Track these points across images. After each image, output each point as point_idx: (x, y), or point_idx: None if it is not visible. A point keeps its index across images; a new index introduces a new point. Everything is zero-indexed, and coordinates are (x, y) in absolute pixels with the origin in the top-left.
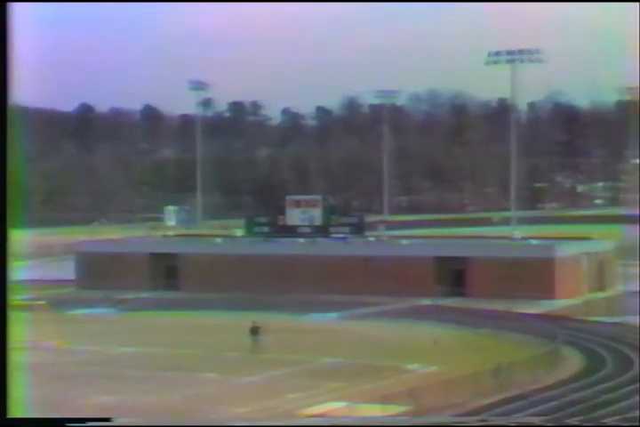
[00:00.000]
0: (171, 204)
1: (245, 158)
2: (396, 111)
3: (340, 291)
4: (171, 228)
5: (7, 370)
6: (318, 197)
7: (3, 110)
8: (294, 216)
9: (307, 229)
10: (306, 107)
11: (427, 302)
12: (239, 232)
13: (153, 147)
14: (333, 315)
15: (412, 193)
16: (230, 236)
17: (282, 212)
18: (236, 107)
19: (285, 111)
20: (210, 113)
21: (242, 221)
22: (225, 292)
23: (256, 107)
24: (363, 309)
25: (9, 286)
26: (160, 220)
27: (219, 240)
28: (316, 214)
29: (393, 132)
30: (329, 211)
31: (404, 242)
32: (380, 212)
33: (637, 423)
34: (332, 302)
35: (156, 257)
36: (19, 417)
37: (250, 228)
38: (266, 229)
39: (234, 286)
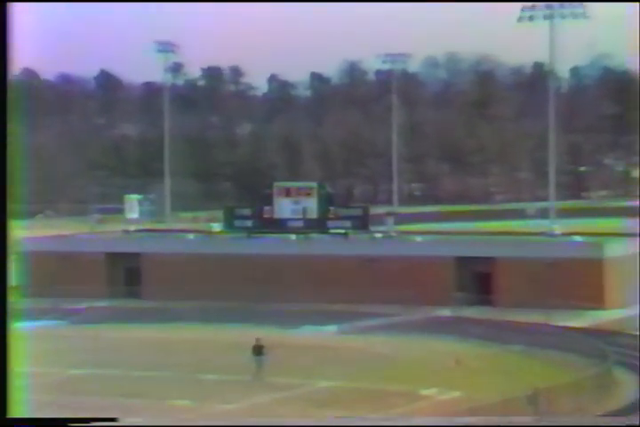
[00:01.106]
0: (133, 192)
1: (224, 136)
2: (408, 79)
3: (340, 298)
4: (133, 221)
5: (7, 370)
6: (313, 184)
7: (3, 107)
8: (284, 207)
9: (299, 224)
10: (297, 74)
11: (445, 312)
12: (216, 227)
13: (110, 122)
14: (331, 328)
15: (428, 179)
16: (205, 231)
17: (269, 202)
18: (212, 73)
19: (272, 79)
20: (180, 81)
21: (220, 214)
22: (198, 300)
23: (236, 73)
24: (367, 320)
25: (9, 286)
26: (120, 212)
27: (191, 237)
28: (311, 205)
29: (404, 104)
30: (326, 201)
31: (418, 239)
32: (388, 202)
33: (638, 423)
34: (330, 311)
35: (115, 258)
36: (19, 417)
37: (229, 221)
38: (249, 223)
39: (209, 293)
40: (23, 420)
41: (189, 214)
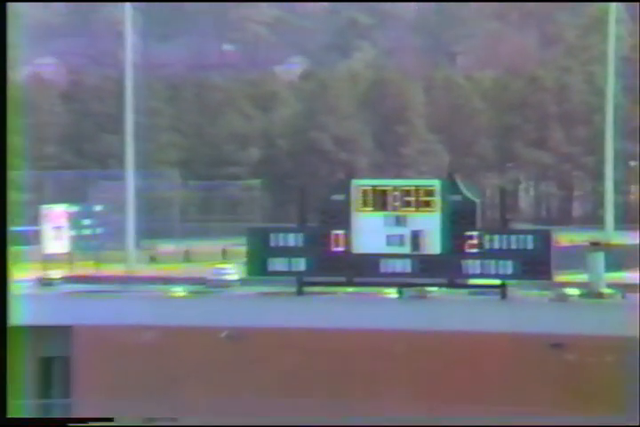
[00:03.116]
0: (58, 200)
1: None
2: None
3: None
4: (54, 261)
5: (7, 370)
6: (434, 181)
7: (2, 108)
8: (371, 232)
9: (403, 266)
10: None
11: None
12: (228, 271)
13: None
14: None
15: None
16: (205, 282)
17: (338, 218)
18: None
19: None
20: None
21: (237, 241)
22: None
23: None
24: None
25: (9, 286)
26: (29, 241)
27: (179, 295)
28: (428, 227)
29: None
30: (462, 217)
31: None
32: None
33: (638, 424)
34: None
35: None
36: (19, 417)
37: (258, 259)
38: (300, 262)
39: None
40: (23, 420)
41: (170, 243)
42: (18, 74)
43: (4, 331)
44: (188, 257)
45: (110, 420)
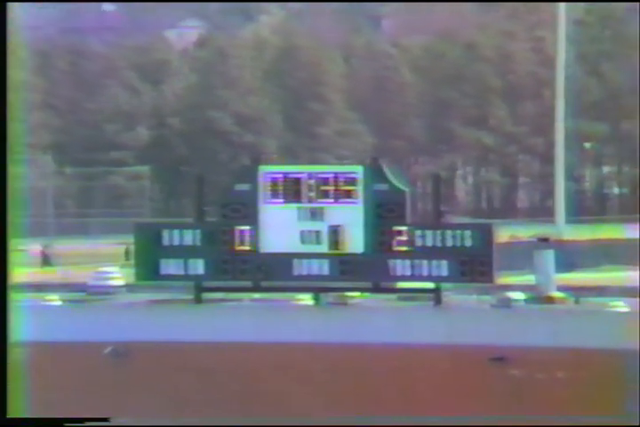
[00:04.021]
0: None
1: None
2: None
3: None
4: None
5: (7, 370)
6: (357, 167)
7: (2, 108)
8: (282, 226)
9: (320, 268)
10: None
11: None
12: (113, 275)
13: None
14: None
15: None
16: (84, 288)
17: (244, 211)
18: None
19: None
20: None
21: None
22: None
23: None
24: None
25: (9, 286)
26: None
27: (54, 304)
28: (347, 222)
29: None
30: (389, 208)
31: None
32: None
33: (637, 424)
34: None
35: None
36: (19, 417)
37: (146, 261)
38: (199, 265)
39: None
40: (23, 420)
41: (47, 243)
42: None
43: (4, 330)
44: (64, 259)
45: (107, 420)
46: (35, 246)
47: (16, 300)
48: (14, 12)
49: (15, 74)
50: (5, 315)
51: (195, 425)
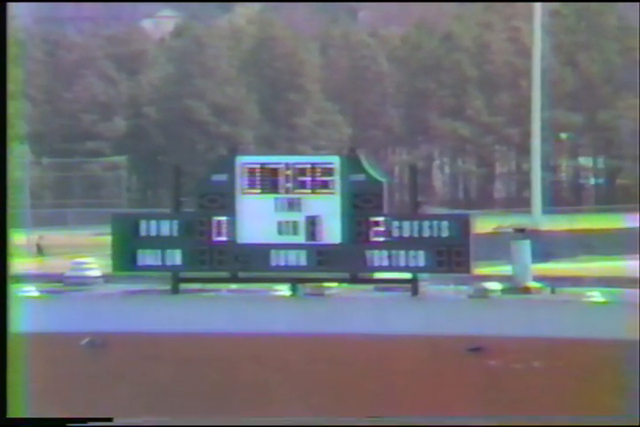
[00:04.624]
0: None
1: None
2: None
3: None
4: None
5: (7, 370)
6: (333, 157)
7: (2, 110)
8: (259, 218)
9: (298, 258)
10: None
11: None
12: (90, 266)
13: None
14: None
15: None
16: (62, 279)
17: (220, 202)
18: None
19: None
20: None
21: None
22: None
23: None
24: None
25: (9, 283)
26: None
27: (31, 295)
28: (323, 213)
29: None
30: (365, 199)
31: None
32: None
33: (638, 424)
34: None
35: None
36: (19, 417)
37: (123, 252)
38: (176, 254)
39: None
40: (23, 420)
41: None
42: None
43: (4, 331)
44: (40, 249)
45: (110, 420)
46: (18, 237)
47: None
48: None
49: None
50: (5, 313)
51: (195, 425)
